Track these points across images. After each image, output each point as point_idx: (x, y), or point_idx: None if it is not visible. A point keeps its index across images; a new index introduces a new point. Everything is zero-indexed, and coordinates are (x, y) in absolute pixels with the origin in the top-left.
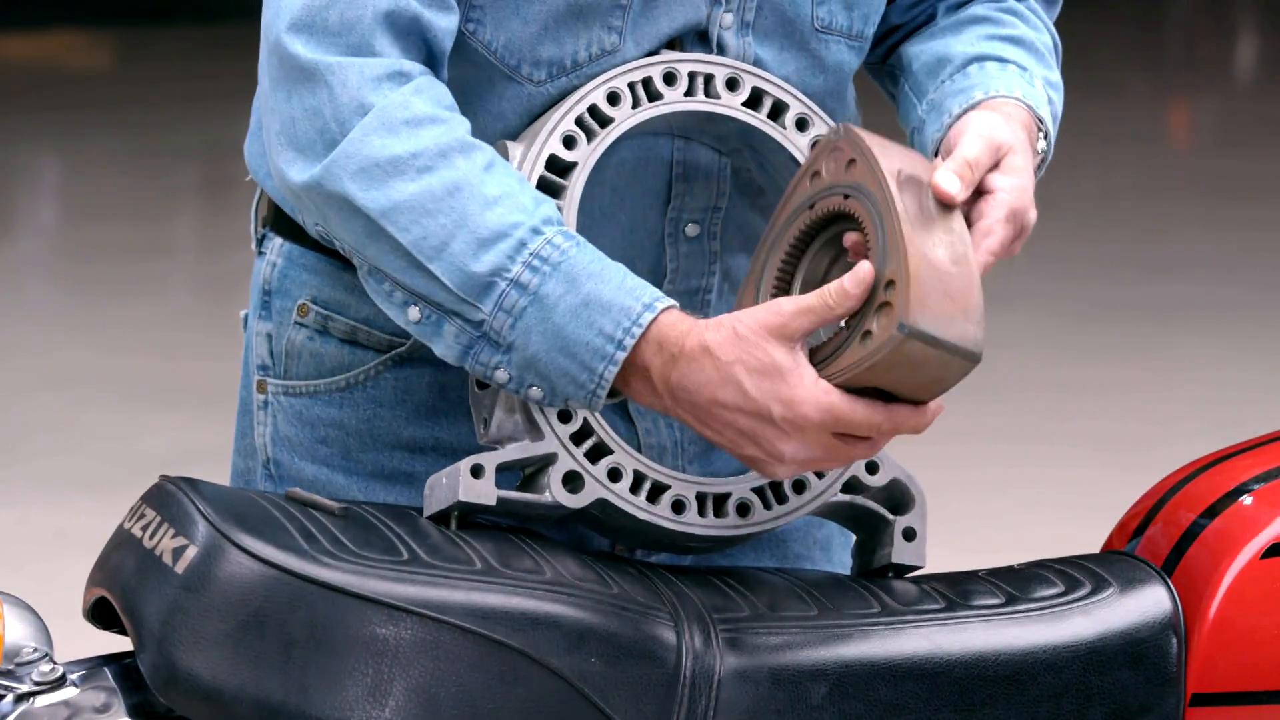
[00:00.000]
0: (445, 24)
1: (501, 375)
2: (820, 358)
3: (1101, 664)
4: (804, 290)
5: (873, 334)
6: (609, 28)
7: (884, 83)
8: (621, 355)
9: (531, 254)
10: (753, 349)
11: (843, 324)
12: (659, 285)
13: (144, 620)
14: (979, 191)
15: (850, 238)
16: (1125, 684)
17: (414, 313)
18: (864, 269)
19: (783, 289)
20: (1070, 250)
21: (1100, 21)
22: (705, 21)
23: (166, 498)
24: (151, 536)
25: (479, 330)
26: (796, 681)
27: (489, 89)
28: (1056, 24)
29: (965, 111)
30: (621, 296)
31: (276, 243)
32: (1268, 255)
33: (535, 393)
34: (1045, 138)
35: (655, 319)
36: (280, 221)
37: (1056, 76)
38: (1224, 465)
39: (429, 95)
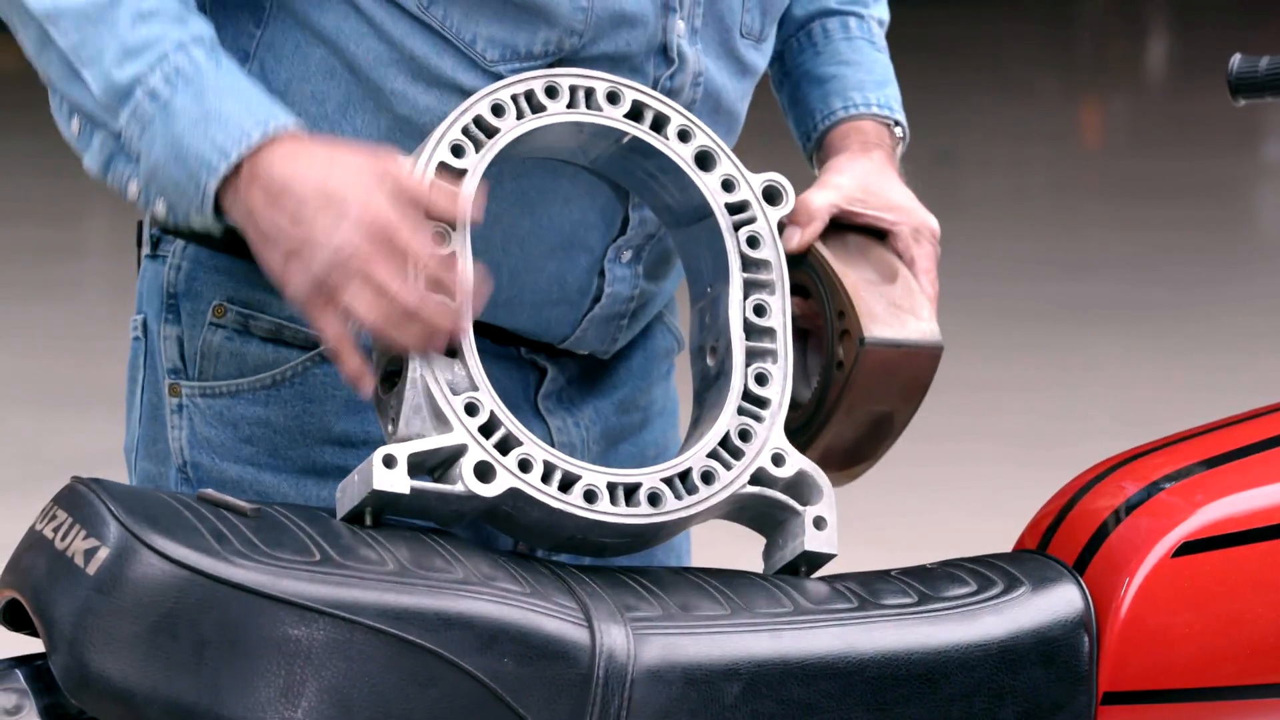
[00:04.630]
0: None
1: (133, 189)
2: (806, 433)
3: (1013, 663)
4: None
5: (843, 361)
6: (571, 31)
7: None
8: (225, 166)
9: (171, 67)
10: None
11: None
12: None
13: (55, 622)
14: (880, 233)
15: (796, 303)
16: (1037, 683)
17: (74, 124)
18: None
19: None
20: (982, 249)
21: (1010, 21)
22: (661, 32)
23: (78, 499)
24: (63, 538)
25: (118, 142)
26: (710, 681)
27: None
28: (964, 25)
29: (830, 129)
30: (243, 115)
31: (178, 245)
32: (1179, 254)
33: (160, 208)
34: (902, 131)
35: (272, 139)
36: None
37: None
38: (1135, 464)
39: None
